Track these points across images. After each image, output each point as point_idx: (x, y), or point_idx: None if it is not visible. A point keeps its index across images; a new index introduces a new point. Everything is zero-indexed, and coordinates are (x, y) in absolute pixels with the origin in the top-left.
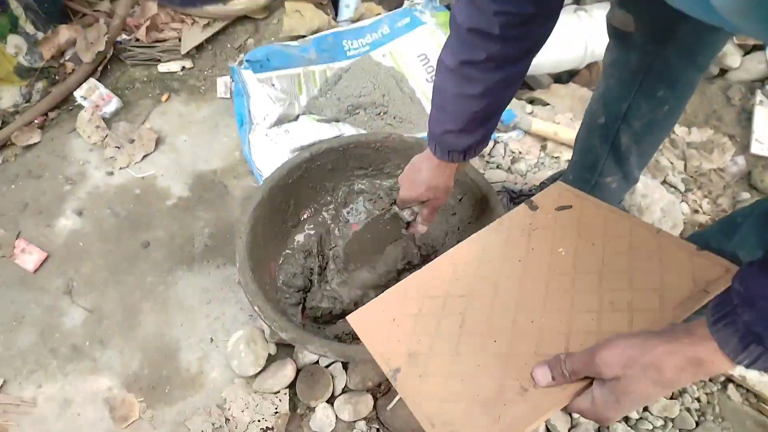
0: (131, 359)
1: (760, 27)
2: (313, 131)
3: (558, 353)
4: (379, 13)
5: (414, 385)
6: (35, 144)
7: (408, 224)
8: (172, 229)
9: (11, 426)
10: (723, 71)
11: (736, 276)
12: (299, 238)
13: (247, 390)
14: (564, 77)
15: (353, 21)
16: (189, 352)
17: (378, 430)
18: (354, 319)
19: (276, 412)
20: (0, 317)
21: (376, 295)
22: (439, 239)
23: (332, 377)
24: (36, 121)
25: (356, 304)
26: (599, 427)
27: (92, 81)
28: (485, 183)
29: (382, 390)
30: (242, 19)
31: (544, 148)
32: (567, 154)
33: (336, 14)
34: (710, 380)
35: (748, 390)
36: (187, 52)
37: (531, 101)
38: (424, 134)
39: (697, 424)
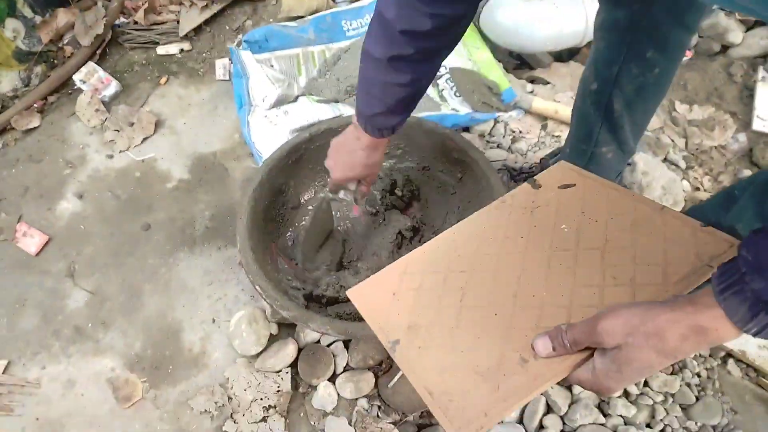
0: (134, 340)
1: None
2: (312, 112)
3: (559, 324)
4: None
5: (413, 356)
6: (35, 128)
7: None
8: (173, 212)
9: (16, 406)
10: (725, 48)
11: (742, 243)
12: (301, 219)
13: (250, 369)
14: (564, 55)
15: (352, 1)
16: (191, 332)
17: (379, 407)
18: (354, 293)
19: (278, 391)
20: (3, 300)
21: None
22: (439, 218)
23: (334, 356)
24: (35, 105)
25: None
26: (599, 403)
27: (91, 64)
28: (485, 162)
29: (384, 368)
30: (240, 0)
31: (544, 127)
32: (566, 133)
33: None
34: (710, 355)
35: (747, 365)
36: (186, 35)
37: (531, 80)
38: (425, 113)
39: (697, 398)
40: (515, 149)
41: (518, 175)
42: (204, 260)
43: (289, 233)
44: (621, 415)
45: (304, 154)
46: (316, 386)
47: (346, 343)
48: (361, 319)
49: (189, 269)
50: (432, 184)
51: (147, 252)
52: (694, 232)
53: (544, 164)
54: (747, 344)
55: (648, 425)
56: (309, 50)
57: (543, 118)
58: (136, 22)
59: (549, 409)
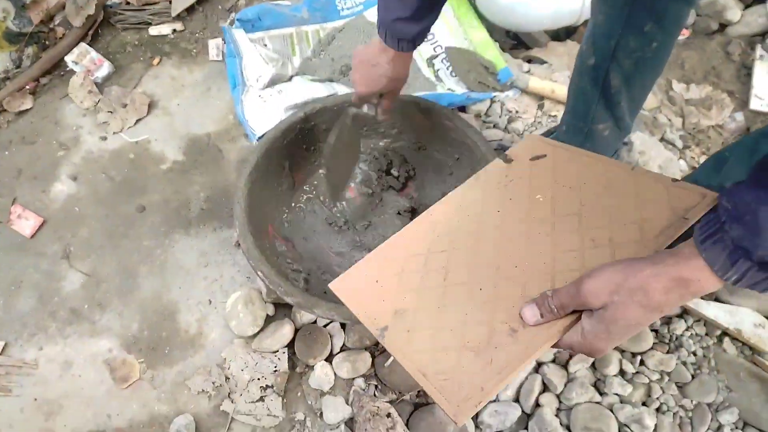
0: (130, 321)
1: None
2: (306, 90)
3: (544, 291)
4: None
5: (402, 340)
6: (27, 110)
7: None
8: (168, 193)
9: (14, 387)
10: (723, 26)
11: (723, 194)
12: (297, 200)
13: (246, 350)
14: (561, 34)
15: None
16: (188, 313)
17: (376, 386)
18: (337, 285)
19: (275, 371)
20: None
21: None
22: (436, 199)
23: (330, 336)
24: (27, 86)
25: None
26: (595, 382)
27: (83, 45)
28: (484, 142)
29: (380, 348)
30: None
31: (541, 107)
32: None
33: None
34: (706, 334)
35: (743, 343)
36: (178, 15)
37: (528, 60)
38: (421, 93)
39: (693, 377)
40: (511, 129)
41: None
42: (199, 242)
43: (285, 214)
44: (617, 394)
45: (299, 133)
46: (313, 366)
47: (343, 324)
48: None
49: (184, 251)
50: (428, 164)
51: (142, 234)
52: (666, 188)
53: None
54: (743, 323)
55: (644, 403)
56: (303, 30)
57: (539, 98)
58: (128, 3)
59: (545, 388)
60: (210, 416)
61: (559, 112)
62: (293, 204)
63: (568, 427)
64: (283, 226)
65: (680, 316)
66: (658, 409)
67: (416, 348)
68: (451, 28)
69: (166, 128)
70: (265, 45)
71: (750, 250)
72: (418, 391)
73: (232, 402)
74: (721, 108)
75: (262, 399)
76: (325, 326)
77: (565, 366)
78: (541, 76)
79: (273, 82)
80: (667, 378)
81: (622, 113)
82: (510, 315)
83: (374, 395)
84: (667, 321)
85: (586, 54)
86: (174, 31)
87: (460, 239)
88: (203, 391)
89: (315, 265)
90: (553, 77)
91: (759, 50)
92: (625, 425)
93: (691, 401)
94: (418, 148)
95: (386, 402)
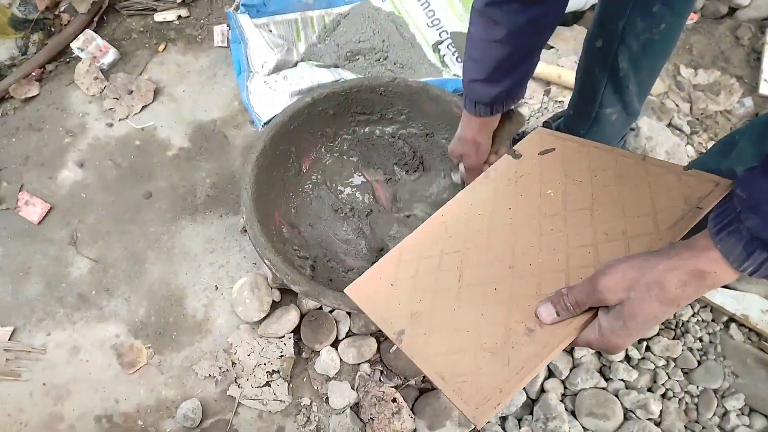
0: (138, 307)
1: None
2: (312, 76)
3: (559, 289)
4: None
5: (419, 343)
6: (34, 97)
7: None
8: (174, 180)
9: (23, 371)
10: (732, 10)
11: (737, 182)
12: (304, 186)
13: (253, 335)
14: (568, 19)
15: None
16: (194, 299)
17: (382, 371)
18: (352, 290)
19: (281, 356)
20: (7, 268)
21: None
22: (440, 186)
23: (336, 322)
24: (34, 73)
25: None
26: (600, 367)
27: (89, 32)
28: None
29: (385, 334)
30: None
31: (547, 92)
32: (570, 98)
33: None
34: (713, 320)
35: (750, 329)
36: (183, 1)
37: None
38: (427, 79)
39: (699, 363)
40: None
41: (520, 139)
42: (206, 228)
43: (292, 200)
44: (622, 379)
45: (307, 118)
46: (318, 351)
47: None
48: None
49: (191, 237)
50: (435, 151)
51: (149, 220)
52: (678, 177)
53: (547, 127)
54: (750, 309)
55: (649, 389)
56: (308, 15)
57: (546, 83)
58: None
59: (550, 374)
60: (217, 401)
61: (565, 97)
62: (300, 190)
63: (573, 413)
64: (289, 212)
65: None
66: (663, 395)
67: (433, 350)
68: (457, 13)
69: (171, 115)
70: (270, 30)
71: (766, 240)
72: (424, 377)
73: (238, 387)
74: (729, 93)
75: (268, 384)
76: (330, 312)
77: (570, 352)
78: (548, 61)
79: (278, 68)
80: (673, 364)
81: (631, 97)
82: (526, 314)
83: (380, 380)
84: None
85: (594, 36)
86: (179, 17)
87: (473, 239)
88: (210, 376)
89: (321, 252)
90: (560, 62)
91: None
92: (631, 411)
93: (697, 387)
94: (425, 135)
95: (392, 387)
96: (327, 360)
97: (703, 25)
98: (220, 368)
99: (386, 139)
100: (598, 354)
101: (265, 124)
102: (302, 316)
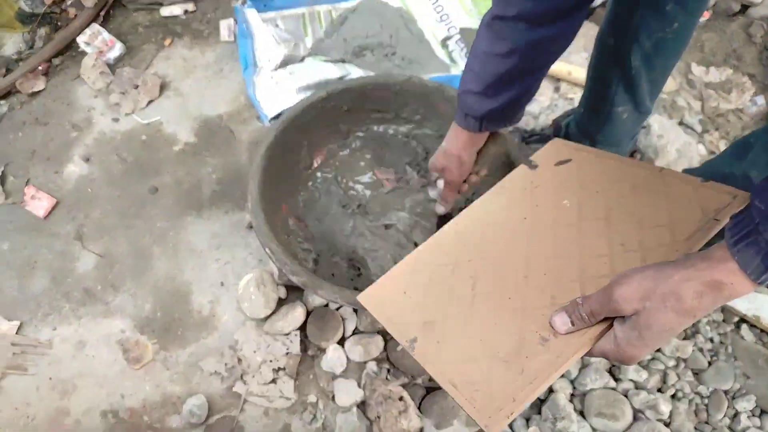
0: (143, 302)
1: None
2: (318, 71)
3: (574, 298)
4: None
5: (432, 351)
6: (40, 91)
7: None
8: (180, 175)
9: (30, 366)
10: (745, 7)
11: (755, 193)
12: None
13: (259, 332)
14: None
15: None
16: (200, 295)
17: (388, 369)
18: (365, 297)
19: (287, 353)
20: (13, 262)
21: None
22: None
23: (342, 319)
24: (40, 68)
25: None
26: (610, 368)
27: (95, 26)
28: (508, 135)
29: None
30: None
31: (557, 89)
32: (580, 95)
33: None
34: (723, 320)
35: (761, 330)
36: None
37: None
38: (435, 75)
39: (710, 363)
40: (527, 112)
41: (530, 138)
42: (211, 224)
43: (301, 194)
44: (632, 380)
45: (320, 112)
46: (325, 349)
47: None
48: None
49: (197, 232)
50: None
51: (154, 215)
52: (695, 189)
53: (556, 126)
54: (761, 309)
55: (659, 390)
56: (315, 9)
57: (556, 80)
58: None
59: None
60: (222, 397)
61: (575, 94)
62: (309, 183)
63: (581, 413)
64: (297, 205)
65: None
66: (673, 396)
67: (446, 359)
68: (466, 9)
69: (177, 109)
70: (277, 25)
71: None
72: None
73: (244, 383)
74: (741, 91)
75: (274, 381)
76: (337, 309)
77: None
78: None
79: (285, 63)
80: (683, 364)
81: (643, 96)
82: (540, 324)
83: (387, 378)
84: None
85: (606, 34)
86: (186, 11)
87: (488, 248)
88: (216, 372)
89: (326, 247)
90: (570, 59)
91: None
92: (640, 411)
93: (708, 388)
94: (439, 137)
95: (399, 385)
96: (333, 357)
97: (715, 22)
98: (225, 365)
99: (400, 138)
100: None
101: (272, 119)
102: (308, 313)
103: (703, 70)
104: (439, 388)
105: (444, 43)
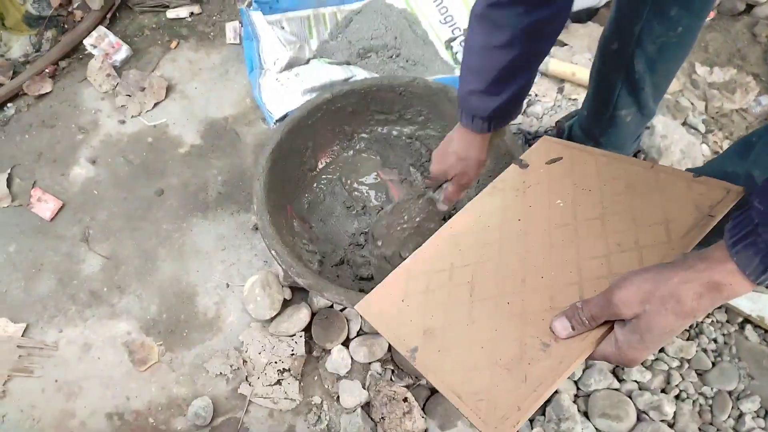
0: (149, 304)
1: None
2: (324, 73)
3: (574, 302)
4: None
5: (433, 360)
6: (47, 93)
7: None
8: (186, 177)
9: (36, 368)
10: (749, 7)
11: (755, 193)
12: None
13: (264, 333)
14: (583, 16)
15: None
16: (206, 296)
17: (393, 371)
18: (362, 307)
19: (292, 354)
20: (20, 264)
21: None
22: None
23: (347, 320)
24: (47, 70)
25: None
26: (614, 369)
27: (101, 29)
28: (509, 135)
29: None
30: None
31: (561, 90)
32: (584, 96)
33: None
34: (728, 321)
35: (765, 330)
36: None
37: None
38: (439, 76)
39: (714, 364)
40: (531, 113)
41: (533, 140)
42: (217, 225)
43: (306, 195)
44: (636, 381)
45: (325, 114)
46: (329, 350)
47: None
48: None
49: (202, 234)
50: None
51: (160, 217)
52: (688, 184)
53: (559, 128)
54: (765, 310)
55: (663, 390)
56: (320, 12)
57: (560, 81)
58: None
59: None
60: (228, 399)
61: (579, 95)
62: (315, 185)
63: (585, 414)
64: (302, 206)
65: None
66: (677, 397)
67: (448, 368)
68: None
69: (183, 112)
70: (283, 27)
71: None
72: None
73: (249, 385)
74: (745, 91)
75: (279, 382)
76: (341, 311)
77: None
78: (562, 58)
79: (290, 65)
80: (687, 365)
81: (646, 99)
82: (540, 329)
83: (391, 380)
84: None
85: (609, 39)
86: (191, 14)
87: (483, 252)
88: (221, 373)
89: (330, 248)
90: (574, 59)
91: None
92: (644, 412)
93: (712, 389)
94: (443, 137)
95: (403, 386)
96: (338, 359)
97: (720, 22)
98: (231, 366)
99: (404, 139)
100: None
101: (277, 121)
102: (313, 314)
103: (707, 70)
104: None
105: (448, 44)
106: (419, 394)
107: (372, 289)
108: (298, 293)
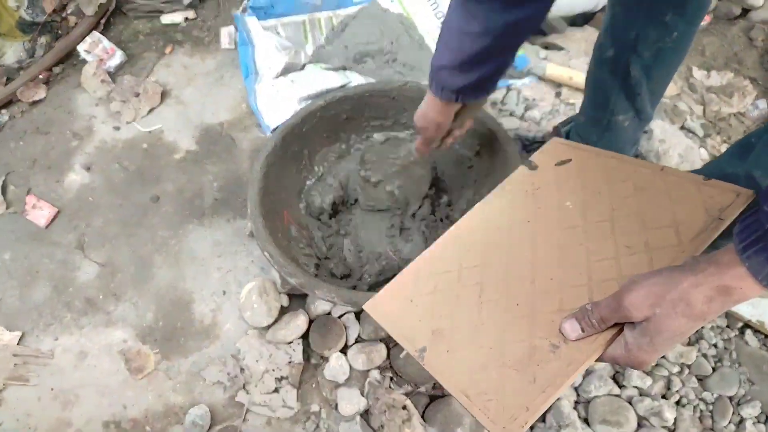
0: (145, 312)
1: None
2: (320, 79)
3: (584, 304)
4: None
5: (442, 361)
6: (41, 100)
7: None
8: (181, 183)
9: (32, 376)
10: (745, 11)
11: (763, 197)
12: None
13: (261, 341)
14: (579, 20)
15: None
16: (202, 304)
17: (392, 378)
18: (370, 306)
19: (290, 362)
20: (15, 272)
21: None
22: (455, 192)
23: (345, 327)
24: (41, 76)
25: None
26: (614, 374)
27: (95, 34)
28: (504, 135)
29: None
30: None
31: (558, 94)
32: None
33: None
34: (728, 326)
35: (766, 335)
36: (190, 3)
37: (545, 46)
38: None
39: (714, 369)
40: (528, 117)
41: (531, 145)
42: (213, 232)
43: (302, 201)
44: (636, 386)
45: (319, 121)
46: (327, 357)
47: (358, 315)
48: (371, 289)
49: (198, 241)
50: (448, 157)
51: (156, 224)
52: (698, 187)
53: (557, 132)
54: (766, 314)
55: (663, 396)
56: (316, 17)
57: (557, 85)
58: None
59: None
60: (225, 407)
61: (577, 99)
62: (311, 192)
63: (586, 420)
64: (300, 212)
65: None
66: (677, 402)
67: (457, 368)
68: None
69: (178, 117)
70: (278, 33)
71: None
72: (434, 384)
73: (247, 393)
74: (743, 95)
75: (277, 390)
76: (339, 317)
77: None
78: (559, 62)
79: (286, 71)
80: (687, 370)
81: (643, 104)
82: (549, 331)
83: (390, 387)
84: None
85: (604, 45)
86: (186, 19)
87: (492, 253)
88: (218, 382)
89: (328, 253)
90: (571, 64)
91: None
92: (644, 418)
93: (712, 394)
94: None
95: (402, 394)
96: (336, 366)
97: (716, 26)
98: (228, 374)
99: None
100: None
101: (274, 130)
102: (311, 321)
103: (704, 74)
104: (443, 396)
105: None
106: (418, 402)
107: (371, 290)
108: (295, 300)
